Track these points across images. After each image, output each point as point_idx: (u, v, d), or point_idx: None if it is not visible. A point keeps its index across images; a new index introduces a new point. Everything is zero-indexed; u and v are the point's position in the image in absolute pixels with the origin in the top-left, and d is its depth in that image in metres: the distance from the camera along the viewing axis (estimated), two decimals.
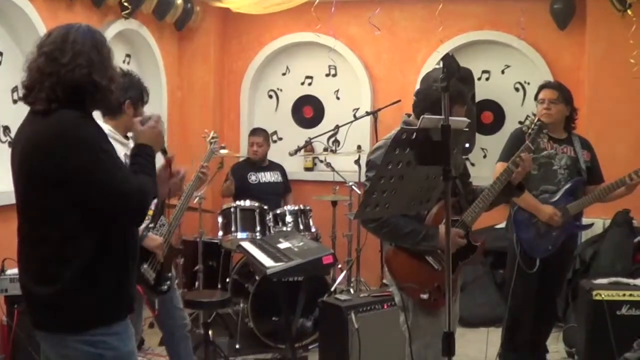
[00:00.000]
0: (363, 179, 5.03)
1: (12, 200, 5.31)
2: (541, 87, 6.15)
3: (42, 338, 3.31)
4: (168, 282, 5.19)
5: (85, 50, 3.25)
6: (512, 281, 5.95)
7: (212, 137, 6.46)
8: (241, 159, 8.79)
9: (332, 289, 7.21)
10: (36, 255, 3.23)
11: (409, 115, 4.67)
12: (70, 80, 3.18)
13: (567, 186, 5.90)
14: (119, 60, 8.19)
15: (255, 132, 9.00)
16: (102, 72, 3.26)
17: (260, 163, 8.77)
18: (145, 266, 4.98)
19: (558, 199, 5.89)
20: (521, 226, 5.95)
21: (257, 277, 6.91)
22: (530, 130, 4.90)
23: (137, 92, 5.01)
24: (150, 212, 5.21)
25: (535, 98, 6.16)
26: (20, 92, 3.36)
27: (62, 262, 3.15)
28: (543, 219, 5.86)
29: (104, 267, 3.20)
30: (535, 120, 5.00)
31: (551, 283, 6.10)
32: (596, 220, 7.46)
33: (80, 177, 3.09)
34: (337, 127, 8.36)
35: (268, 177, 8.78)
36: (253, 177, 8.66)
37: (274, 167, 8.93)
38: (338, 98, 9.82)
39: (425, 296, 4.50)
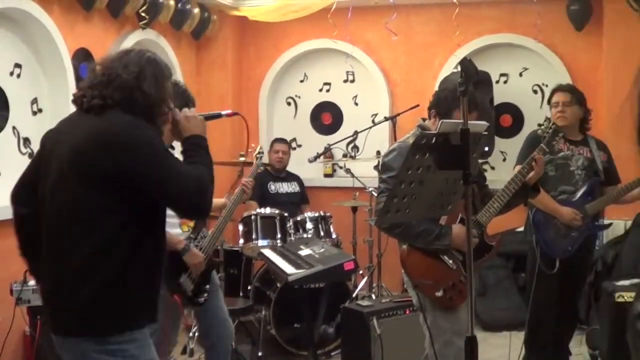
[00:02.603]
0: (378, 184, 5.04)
1: None
2: (554, 90, 6.16)
3: (61, 346, 3.29)
4: (205, 295, 5.19)
5: (139, 62, 3.35)
6: (532, 283, 5.95)
7: (259, 152, 6.53)
8: (261, 168, 8.80)
9: (354, 295, 7.22)
10: (66, 259, 3.21)
11: (424, 120, 4.71)
12: (119, 82, 3.26)
13: (585, 187, 5.90)
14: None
15: (279, 140, 9.13)
16: (153, 84, 3.33)
17: (279, 173, 8.82)
18: (184, 277, 5.00)
19: (576, 200, 5.90)
20: (540, 227, 5.95)
21: (278, 284, 6.93)
22: (545, 134, 4.97)
23: (181, 102, 5.09)
24: (192, 224, 5.23)
25: (549, 101, 6.17)
26: (75, 98, 3.42)
27: (93, 266, 3.15)
28: (563, 221, 5.86)
29: (134, 274, 3.21)
30: (550, 124, 5.08)
31: (572, 284, 6.09)
32: (617, 221, 7.44)
33: (142, 176, 3.17)
34: (356, 133, 8.35)
35: (285, 187, 8.81)
36: (272, 187, 8.70)
37: (292, 177, 8.96)
38: (356, 104, 9.82)
39: (439, 294, 4.55)
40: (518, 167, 5.63)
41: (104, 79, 3.29)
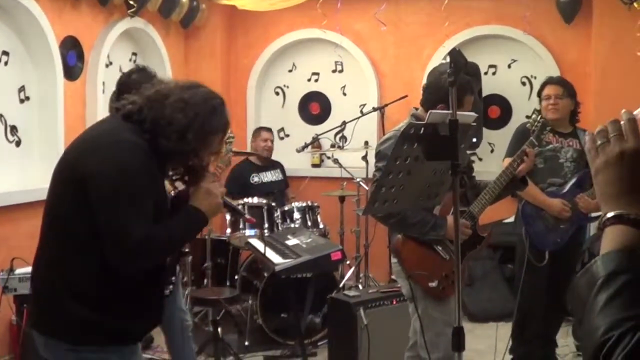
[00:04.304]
0: (370, 174, 5.04)
1: (20, 200, 5.33)
2: (545, 83, 6.16)
3: (39, 343, 3.21)
4: (171, 287, 5.17)
5: (200, 106, 3.15)
6: (521, 275, 5.96)
7: (229, 137, 6.41)
8: (241, 160, 8.76)
9: (341, 285, 7.22)
10: (47, 255, 3.18)
11: (416, 109, 4.70)
12: (163, 112, 3.10)
13: (575, 179, 5.90)
14: (125, 58, 8.20)
15: (265, 128, 9.14)
16: (196, 136, 3.11)
17: (264, 162, 8.77)
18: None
19: (566, 192, 5.90)
20: (529, 220, 5.95)
21: (265, 274, 6.92)
22: (533, 127, 5.01)
23: None
24: None
25: (539, 94, 6.17)
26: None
27: (68, 267, 3.08)
28: (552, 213, 5.87)
29: (105, 293, 3.07)
30: (539, 118, 5.11)
31: (560, 277, 6.09)
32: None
33: (100, 199, 2.97)
34: (344, 123, 8.35)
35: (270, 176, 8.78)
36: (255, 179, 8.65)
37: (274, 165, 8.93)
38: (345, 94, 9.81)
39: (433, 284, 4.57)
40: (507, 160, 5.65)
41: (154, 95, 3.16)
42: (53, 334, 3.15)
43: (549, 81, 6.19)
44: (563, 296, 6.29)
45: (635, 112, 1.72)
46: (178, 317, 5.39)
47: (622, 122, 1.67)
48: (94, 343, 3.09)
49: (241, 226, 7.29)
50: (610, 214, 1.60)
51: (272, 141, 8.95)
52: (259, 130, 9.09)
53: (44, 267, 3.19)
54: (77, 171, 3.04)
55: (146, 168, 3.03)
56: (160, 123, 3.07)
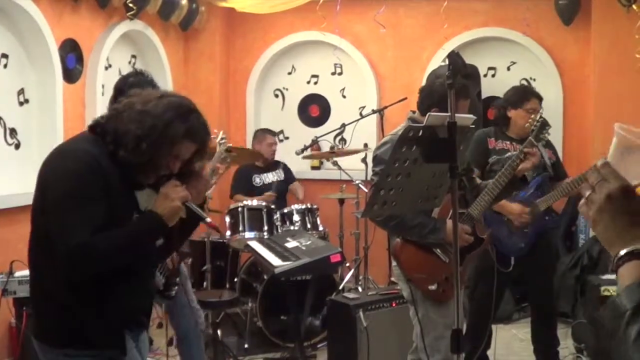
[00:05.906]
0: (370, 176, 5.04)
1: (19, 202, 5.31)
2: (534, 95, 6.05)
3: (34, 345, 3.25)
4: (176, 287, 5.17)
5: (159, 115, 3.10)
6: (477, 280, 5.91)
7: (222, 138, 6.39)
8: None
9: (340, 287, 7.22)
10: (30, 257, 3.25)
11: (414, 112, 4.71)
12: (123, 126, 3.08)
13: (534, 182, 5.87)
14: (124, 61, 8.20)
15: (269, 131, 9.07)
16: (150, 147, 3.05)
17: (265, 163, 8.76)
18: (155, 272, 4.98)
19: (527, 196, 5.86)
20: (493, 225, 5.87)
21: (265, 277, 6.92)
22: (533, 127, 5.01)
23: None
24: None
25: (521, 103, 6.05)
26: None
27: (42, 272, 3.15)
28: (511, 218, 5.82)
29: (76, 297, 3.09)
30: (538, 117, 5.11)
31: (539, 282, 6.06)
32: None
33: (47, 203, 3.04)
34: (344, 125, 8.36)
35: (271, 177, 8.77)
36: (257, 180, 8.65)
37: (276, 166, 8.92)
38: (344, 96, 9.82)
39: (433, 287, 4.57)
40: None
41: (121, 107, 3.15)
42: (38, 336, 3.21)
43: (537, 95, 6.09)
44: (548, 300, 6.25)
45: (608, 156, 1.84)
46: (189, 316, 5.40)
47: (598, 168, 1.72)
48: (69, 346, 3.12)
49: (240, 228, 7.30)
50: (621, 253, 1.63)
51: (275, 144, 8.95)
52: (264, 133, 9.00)
53: (30, 272, 3.25)
54: (38, 180, 3.12)
55: (95, 177, 3.01)
56: (118, 133, 3.07)
